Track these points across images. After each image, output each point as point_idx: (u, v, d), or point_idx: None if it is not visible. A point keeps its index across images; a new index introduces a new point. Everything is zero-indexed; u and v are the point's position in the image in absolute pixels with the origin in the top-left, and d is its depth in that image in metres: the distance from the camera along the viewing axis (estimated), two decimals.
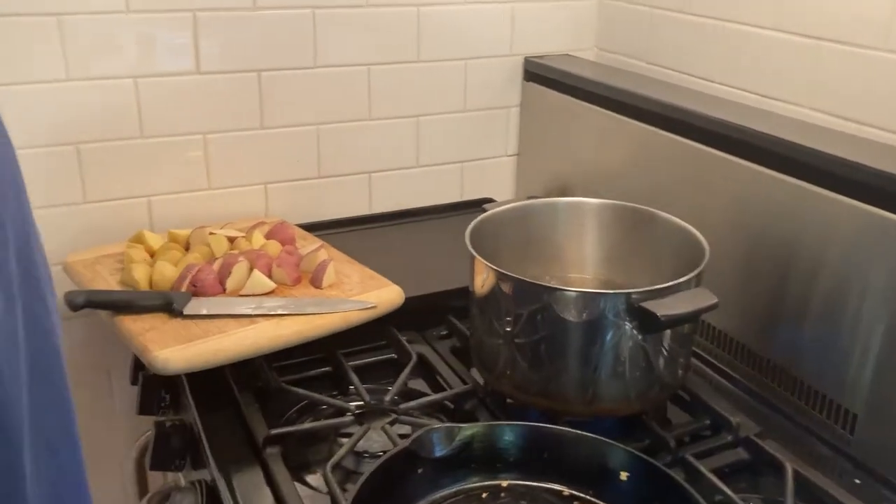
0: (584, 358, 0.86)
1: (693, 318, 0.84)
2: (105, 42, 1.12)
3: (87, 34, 1.11)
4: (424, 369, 1.03)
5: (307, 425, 0.88)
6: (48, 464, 0.49)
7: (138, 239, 1.11)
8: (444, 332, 1.11)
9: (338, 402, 0.92)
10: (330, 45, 1.25)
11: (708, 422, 0.92)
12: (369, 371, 1.02)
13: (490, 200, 1.43)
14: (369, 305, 1.00)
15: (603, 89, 1.26)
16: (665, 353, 0.88)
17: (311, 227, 1.29)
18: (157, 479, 1.17)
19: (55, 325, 0.52)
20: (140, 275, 1.02)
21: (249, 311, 0.97)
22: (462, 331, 1.07)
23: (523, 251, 1.04)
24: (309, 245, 1.13)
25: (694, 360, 1.05)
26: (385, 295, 1.03)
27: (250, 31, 1.20)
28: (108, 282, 1.04)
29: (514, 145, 1.46)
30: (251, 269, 1.04)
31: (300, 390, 0.93)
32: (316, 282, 1.05)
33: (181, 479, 1.01)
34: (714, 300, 0.82)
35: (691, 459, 0.84)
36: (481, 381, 0.97)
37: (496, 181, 1.46)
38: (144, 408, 1.06)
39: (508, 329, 0.89)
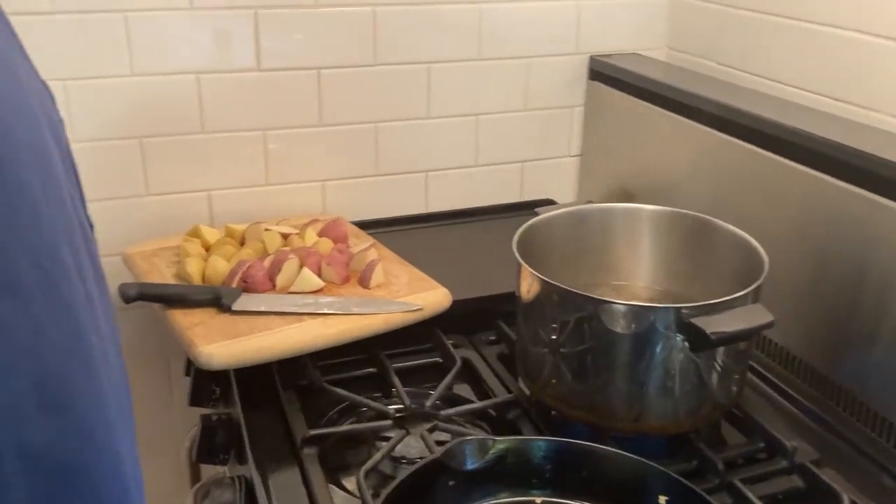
0: (631, 373, 0.83)
1: (746, 336, 0.80)
2: (168, 39, 1.14)
3: (151, 31, 1.13)
4: (470, 375, 1.02)
5: (345, 427, 0.88)
6: None
7: (195, 233, 1.12)
8: (493, 338, 1.09)
9: (378, 405, 0.91)
10: (390, 43, 1.24)
11: (762, 444, 0.88)
12: (413, 374, 1.01)
13: (550, 202, 1.40)
14: (414, 308, 0.99)
15: (669, 91, 1.21)
16: (718, 369, 0.84)
17: (366, 225, 1.28)
18: (210, 470, 1.19)
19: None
20: (193, 269, 1.03)
21: (296, 309, 0.97)
22: (511, 337, 1.05)
23: (575, 258, 1.01)
24: (361, 244, 1.13)
25: (751, 376, 1.01)
26: (432, 297, 1.02)
27: (311, 29, 1.20)
28: (163, 274, 1.06)
29: (577, 146, 1.42)
30: (301, 267, 1.04)
31: (341, 391, 0.93)
32: (364, 281, 1.04)
33: (226, 472, 1.03)
34: (769, 318, 0.78)
35: (739, 485, 0.80)
36: (527, 391, 0.94)
37: (558, 182, 1.43)
38: (195, 399, 1.08)
39: (553, 339, 0.86)
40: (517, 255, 0.89)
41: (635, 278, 1.02)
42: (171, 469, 1.27)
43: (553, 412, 0.91)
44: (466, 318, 1.07)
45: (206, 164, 1.22)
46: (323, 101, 1.24)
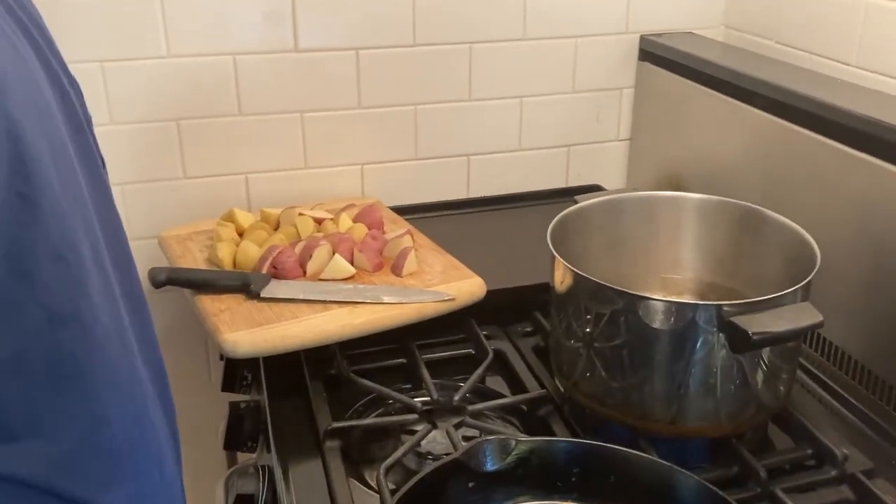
0: (668, 372, 0.79)
1: (790, 338, 0.74)
2: (204, 19, 1.13)
3: (186, 11, 1.11)
4: (503, 367, 0.98)
5: (368, 421, 0.86)
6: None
7: (229, 217, 1.11)
8: (529, 329, 1.05)
9: (404, 398, 0.88)
10: (430, 22, 1.21)
11: (810, 451, 0.82)
12: (444, 366, 0.98)
13: (597, 188, 1.35)
14: (446, 298, 0.96)
15: (725, 73, 1.14)
16: (764, 369, 0.79)
17: (405, 211, 1.26)
18: (246, 455, 1.18)
19: None
20: (224, 253, 1.02)
21: (325, 297, 0.95)
22: (547, 329, 1.01)
23: (615, 248, 0.97)
24: (396, 230, 1.10)
25: (802, 375, 0.95)
26: (466, 287, 0.99)
27: (348, 9, 1.17)
28: (196, 258, 1.05)
29: (626, 129, 1.36)
30: (332, 254, 1.02)
31: (368, 382, 0.90)
32: (396, 269, 1.02)
33: (255, 460, 1.02)
34: (818, 318, 0.72)
35: (782, 495, 0.75)
36: (561, 387, 0.90)
37: (605, 167, 1.38)
38: (227, 385, 1.07)
39: (587, 333, 0.82)
40: (551, 245, 0.85)
41: (680, 270, 0.97)
42: (210, 452, 1.27)
43: (587, 410, 0.87)
44: (502, 308, 1.04)
45: (244, 147, 1.20)
46: (361, 82, 1.21)
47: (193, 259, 1.05)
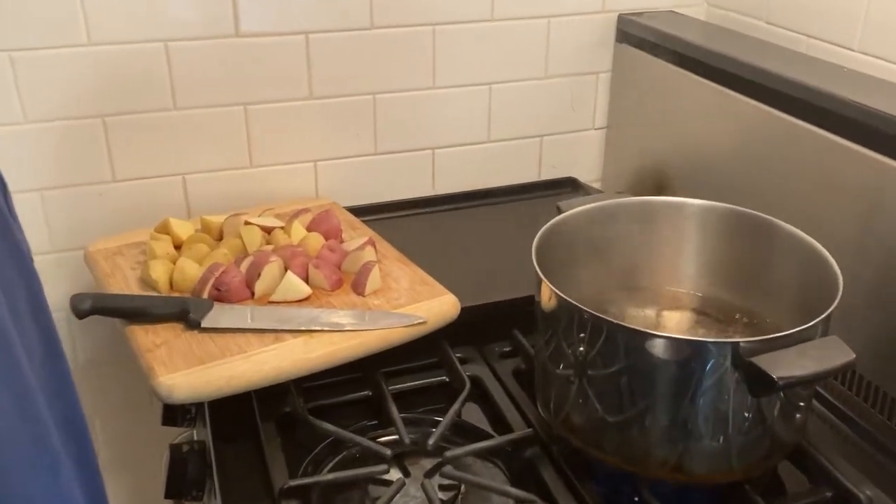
0: (672, 413, 0.69)
1: (819, 379, 0.65)
2: (131, 1, 0.98)
3: None
4: (480, 395, 0.88)
5: (330, 476, 0.74)
6: None
7: (164, 228, 0.98)
8: (508, 349, 0.94)
9: (371, 444, 0.77)
10: (388, 2, 1.08)
11: (829, 494, 0.73)
12: (415, 397, 0.88)
13: (573, 181, 1.25)
14: (416, 321, 0.85)
15: (712, 57, 1.04)
16: (782, 406, 0.70)
17: (364, 211, 1.14)
18: None
19: None
20: (159, 273, 0.89)
21: (276, 325, 0.83)
22: (528, 350, 0.91)
23: (607, 258, 0.87)
24: (356, 238, 0.98)
25: (816, 403, 0.86)
26: (437, 307, 0.88)
27: None
28: (126, 278, 0.92)
29: (602, 117, 1.26)
30: (284, 270, 0.90)
31: (328, 426, 0.79)
32: (358, 287, 0.90)
33: None
34: (849, 356, 0.63)
35: None
36: (547, 422, 0.80)
37: (581, 158, 1.27)
38: (168, 418, 0.95)
39: (579, 369, 0.72)
40: (537, 267, 0.74)
41: (677, 283, 0.87)
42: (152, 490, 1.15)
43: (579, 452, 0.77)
44: (477, 326, 0.93)
45: (180, 145, 1.07)
46: (312, 70, 1.08)
47: (124, 279, 0.92)
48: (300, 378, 0.82)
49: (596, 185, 1.28)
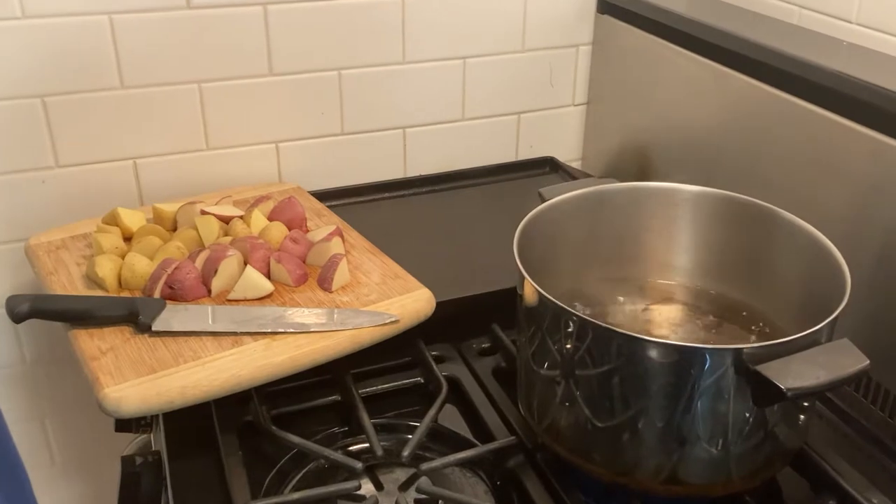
0: (666, 419, 0.63)
1: (832, 388, 0.60)
2: None
3: None
4: (458, 397, 0.82)
5: (297, 496, 0.68)
6: None
7: (112, 218, 0.90)
8: (486, 346, 0.88)
9: (341, 457, 0.71)
10: None
11: (833, 502, 0.68)
12: (387, 400, 0.81)
13: (551, 161, 1.18)
14: (388, 320, 0.79)
15: (700, 29, 0.98)
16: (784, 412, 0.64)
17: (331, 196, 1.07)
18: None
19: None
20: (106, 271, 0.82)
21: (234, 328, 0.76)
22: (508, 347, 0.85)
23: (593, 249, 0.81)
24: (322, 228, 0.91)
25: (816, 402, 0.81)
26: (411, 304, 0.81)
27: None
28: (71, 275, 0.85)
29: (582, 93, 1.19)
30: (244, 266, 0.83)
31: (294, 438, 0.72)
32: (324, 282, 0.83)
33: None
34: (864, 363, 0.58)
35: None
36: (531, 427, 0.75)
37: (560, 137, 1.21)
38: (121, 424, 0.88)
39: (562, 371, 0.66)
40: (519, 263, 0.68)
41: (668, 275, 0.81)
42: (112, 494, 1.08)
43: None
44: (453, 321, 0.87)
45: (130, 127, 0.98)
46: (272, 44, 1.00)
47: (68, 276, 0.85)
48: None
49: (576, 165, 1.22)
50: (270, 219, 0.92)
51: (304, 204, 0.96)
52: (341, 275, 0.83)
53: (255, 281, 0.81)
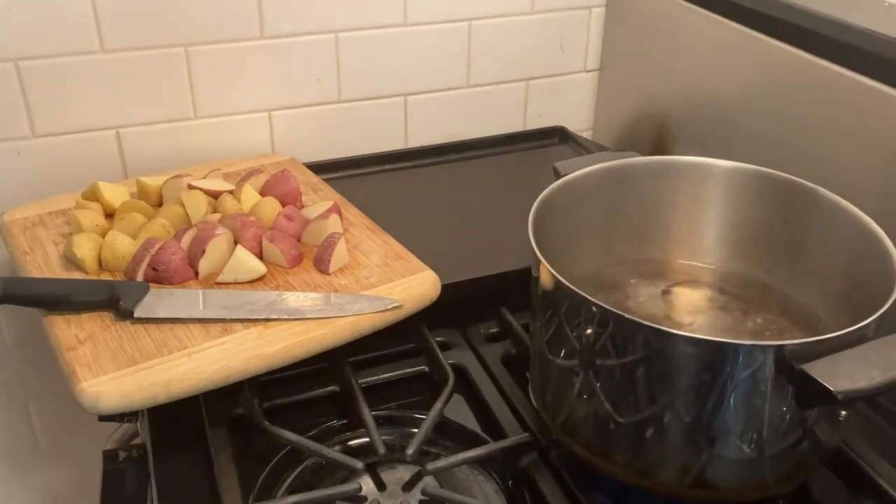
0: (696, 415, 0.58)
1: (887, 391, 0.54)
2: None
3: None
4: (465, 386, 0.76)
5: (293, 499, 0.62)
6: None
7: (92, 193, 0.84)
8: (495, 331, 0.83)
9: (340, 456, 0.66)
10: None
11: None
12: (390, 390, 0.76)
13: (561, 131, 1.12)
14: (391, 305, 0.73)
15: None
16: (825, 413, 0.59)
17: (327, 168, 1.00)
18: None
19: None
20: (85, 251, 0.76)
21: (224, 314, 0.70)
22: (518, 332, 0.79)
23: (613, 228, 0.75)
24: (318, 204, 0.85)
25: None
26: (415, 287, 0.75)
27: None
28: (48, 255, 0.79)
29: (595, 58, 1.12)
30: (234, 245, 0.77)
31: (289, 435, 0.67)
32: (321, 264, 0.77)
33: None
34: None
35: None
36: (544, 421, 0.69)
37: (570, 105, 1.14)
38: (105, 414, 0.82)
39: (581, 360, 0.61)
40: (535, 246, 0.62)
41: (695, 256, 0.75)
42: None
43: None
44: (459, 304, 0.81)
45: (111, 94, 0.91)
46: (264, 4, 0.93)
47: (45, 256, 0.78)
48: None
49: (586, 135, 1.15)
50: (262, 194, 0.85)
51: (299, 177, 0.90)
52: (339, 256, 0.77)
53: (246, 262, 0.75)
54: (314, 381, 0.75)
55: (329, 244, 0.77)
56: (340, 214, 0.83)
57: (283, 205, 0.84)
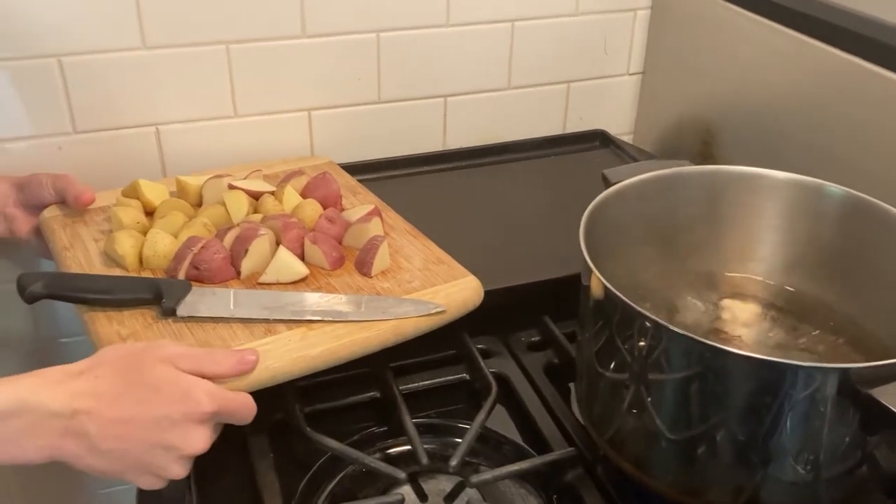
0: (751, 434, 0.56)
1: None
2: None
3: None
4: (507, 395, 0.75)
5: None
6: None
7: (132, 191, 0.83)
8: (536, 340, 0.81)
9: (381, 465, 0.65)
10: None
11: None
12: (430, 397, 0.75)
13: (603, 134, 1.10)
14: (434, 310, 0.71)
15: None
16: (888, 437, 0.57)
17: (366, 168, 0.99)
18: None
19: None
20: (126, 248, 0.75)
21: (266, 314, 0.69)
22: (561, 342, 0.78)
23: (662, 237, 0.73)
24: (358, 207, 0.84)
25: None
26: (457, 293, 0.74)
27: None
28: (88, 252, 0.78)
29: (638, 61, 1.10)
30: (276, 246, 0.76)
31: (331, 442, 0.66)
32: (363, 266, 0.76)
33: None
34: None
35: None
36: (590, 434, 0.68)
37: (611, 108, 1.12)
38: None
39: (633, 374, 0.59)
40: (587, 256, 0.61)
41: (746, 269, 0.73)
42: None
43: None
44: (500, 312, 0.80)
45: (153, 90, 0.91)
46: (306, 3, 0.92)
47: (85, 253, 0.78)
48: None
49: (626, 139, 1.13)
50: (303, 195, 0.84)
51: (338, 180, 0.89)
52: (382, 259, 0.76)
53: (289, 263, 0.74)
54: (355, 386, 0.74)
55: (371, 247, 0.76)
56: (381, 218, 0.82)
57: (324, 207, 0.83)
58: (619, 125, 1.13)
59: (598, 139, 1.10)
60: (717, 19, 0.97)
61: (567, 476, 0.66)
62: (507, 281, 0.80)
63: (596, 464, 0.66)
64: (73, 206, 0.82)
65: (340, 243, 0.79)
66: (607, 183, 0.71)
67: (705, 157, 1.01)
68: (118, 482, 1.05)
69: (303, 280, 0.75)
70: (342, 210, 0.84)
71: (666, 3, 1.05)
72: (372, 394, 0.74)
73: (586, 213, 0.65)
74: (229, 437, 0.68)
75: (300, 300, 0.71)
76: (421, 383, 0.75)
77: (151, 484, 0.58)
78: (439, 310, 0.71)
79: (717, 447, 0.58)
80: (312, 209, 0.82)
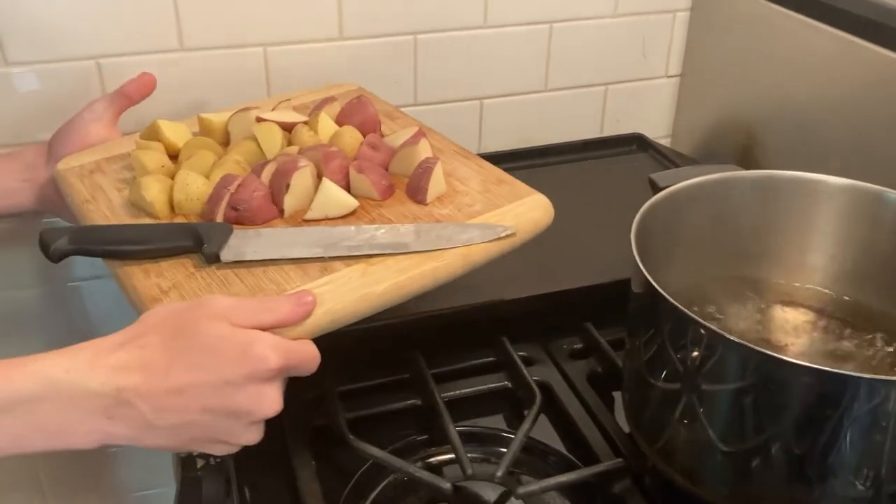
0: (808, 448, 0.54)
1: None
2: None
3: None
4: (549, 404, 0.73)
5: None
6: None
7: (152, 133, 0.76)
8: (578, 347, 0.79)
9: (427, 476, 0.63)
10: None
11: None
12: (471, 405, 0.73)
13: (641, 138, 1.08)
14: (504, 233, 0.65)
15: None
16: None
17: None
18: None
19: None
20: (154, 193, 0.68)
21: (320, 252, 0.62)
22: (606, 351, 0.76)
23: (710, 243, 0.71)
24: (401, 132, 0.77)
25: None
26: (525, 213, 0.67)
27: None
28: (111, 202, 0.71)
29: (677, 64, 1.08)
30: (319, 179, 0.69)
31: (375, 451, 0.63)
32: (417, 193, 0.69)
33: None
34: None
35: None
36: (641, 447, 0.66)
37: (650, 111, 1.10)
38: None
39: (685, 384, 0.58)
40: (639, 261, 0.59)
41: (798, 277, 0.71)
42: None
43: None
44: (542, 318, 0.78)
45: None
46: (343, 4, 0.91)
47: (108, 203, 0.71)
48: (337, 380, 0.67)
49: (665, 143, 1.12)
50: (339, 123, 0.78)
51: (376, 106, 0.82)
52: (437, 183, 0.69)
53: (336, 195, 0.67)
54: (396, 393, 0.72)
55: (424, 171, 0.69)
56: (428, 139, 0.75)
57: (363, 134, 0.76)
58: (657, 128, 1.11)
59: (636, 143, 1.08)
60: (759, 19, 0.95)
61: (615, 487, 0.64)
62: (547, 287, 0.78)
63: (644, 475, 0.64)
64: (138, 96, 0.80)
65: (387, 171, 0.73)
66: (655, 187, 0.69)
67: (746, 161, 0.99)
68: (154, 485, 1.05)
69: (352, 213, 0.68)
70: (383, 136, 0.78)
71: (706, 4, 1.04)
72: (413, 401, 0.72)
73: (637, 217, 0.63)
74: (269, 444, 0.67)
75: (355, 234, 0.64)
76: (461, 391, 0.73)
77: (226, 451, 0.53)
78: (509, 232, 0.65)
79: (772, 460, 0.56)
80: (352, 136, 0.75)
